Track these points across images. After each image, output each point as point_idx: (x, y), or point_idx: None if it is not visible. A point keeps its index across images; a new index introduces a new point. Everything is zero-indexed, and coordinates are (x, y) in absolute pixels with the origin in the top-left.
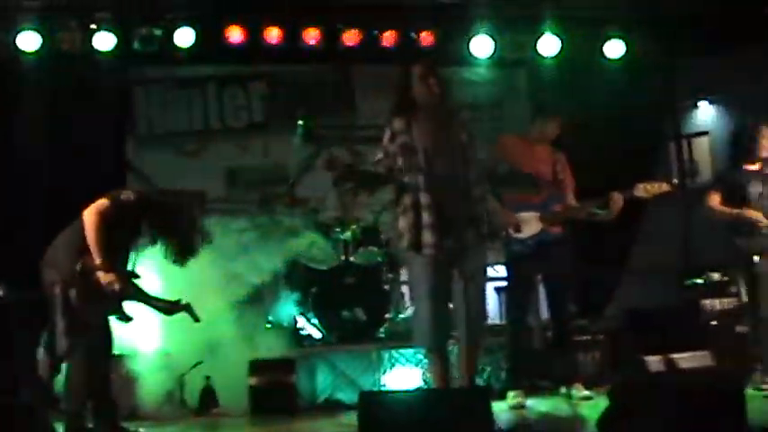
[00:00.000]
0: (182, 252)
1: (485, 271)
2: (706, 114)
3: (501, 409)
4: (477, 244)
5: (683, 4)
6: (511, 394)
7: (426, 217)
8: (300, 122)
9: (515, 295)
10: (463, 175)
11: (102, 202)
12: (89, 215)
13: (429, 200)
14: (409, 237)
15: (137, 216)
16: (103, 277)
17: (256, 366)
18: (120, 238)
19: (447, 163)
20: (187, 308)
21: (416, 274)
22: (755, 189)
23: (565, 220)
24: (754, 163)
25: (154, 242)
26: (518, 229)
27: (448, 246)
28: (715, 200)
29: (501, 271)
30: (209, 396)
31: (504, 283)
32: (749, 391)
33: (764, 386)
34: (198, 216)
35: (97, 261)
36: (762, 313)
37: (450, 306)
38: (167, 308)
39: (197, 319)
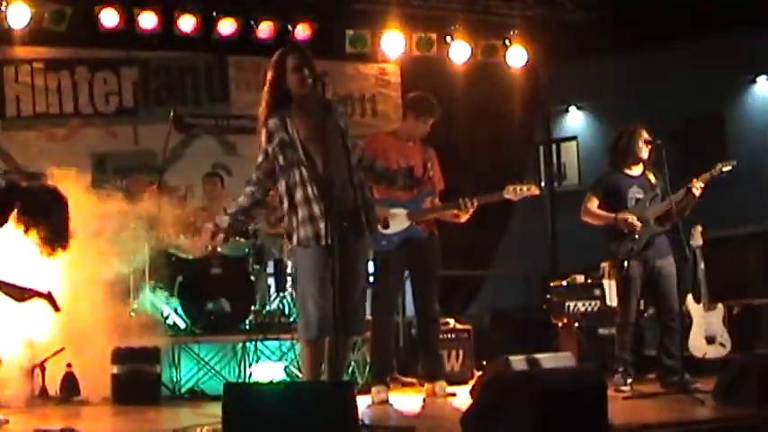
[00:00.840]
0: (53, 241)
1: (367, 262)
2: (575, 120)
3: (365, 404)
4: (359, 234)
5: (556, 13)
6: (375, 389)
7: (317, 209)
8: (172, 110)
9: (381, 291)
10: (346, 165)
11: None
12: None
13: (316, 192)
14: (306, 230)
15: (6, 203)
16: None
17: (119, 355)
18: None
19: (327, 154)
20: (48, 296)
21: (308, 266)
22: (634, 194)
23: (432, 218)
24: (634, 167)
25: (26, 231)
26: (386, 225)
27: (335, 236)
28: (594, 203)
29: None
30: (70, 384)
31: (370, 279)
32: (609, 393)
33: (624, 388)
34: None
35: None
36: (630, 317)
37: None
38: (20, 296)
39: (57, 309)
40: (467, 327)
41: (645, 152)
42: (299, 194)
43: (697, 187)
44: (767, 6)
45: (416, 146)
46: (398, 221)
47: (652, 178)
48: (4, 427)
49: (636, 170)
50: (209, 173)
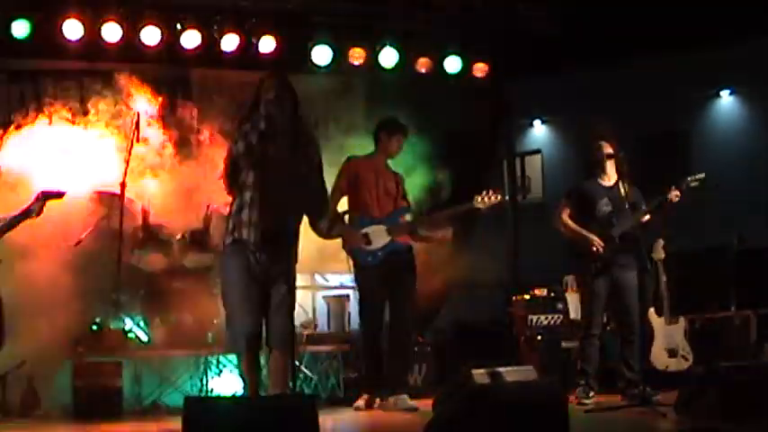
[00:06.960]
0: None
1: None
2: (540, 133)
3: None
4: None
5: (521, 27)
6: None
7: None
8: (135, 115)
9: (369, 306)
10: (296, 192)
11: None
12: None
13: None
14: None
15: None
16: None
17: (81, 368)
18: None
19: (280, 178)
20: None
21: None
22: (603, 206)
23: (411, 231)
24: (606, 177)
25: None
26: (368, 242)
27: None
28: (566, 212)
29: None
30: (31, 397)
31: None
32: (571, 406)
33: (587, 401)
34: None
35: None
36: (594, 330)
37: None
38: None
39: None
40: (429, 340)
41: (609, 165)
42: (246, 195)
43: (674, 197)
44: (730, 21)
45: (388, 168)
46: (380, 237)
47: (622, 191)
48: None
49: (609, 181)
50: None
